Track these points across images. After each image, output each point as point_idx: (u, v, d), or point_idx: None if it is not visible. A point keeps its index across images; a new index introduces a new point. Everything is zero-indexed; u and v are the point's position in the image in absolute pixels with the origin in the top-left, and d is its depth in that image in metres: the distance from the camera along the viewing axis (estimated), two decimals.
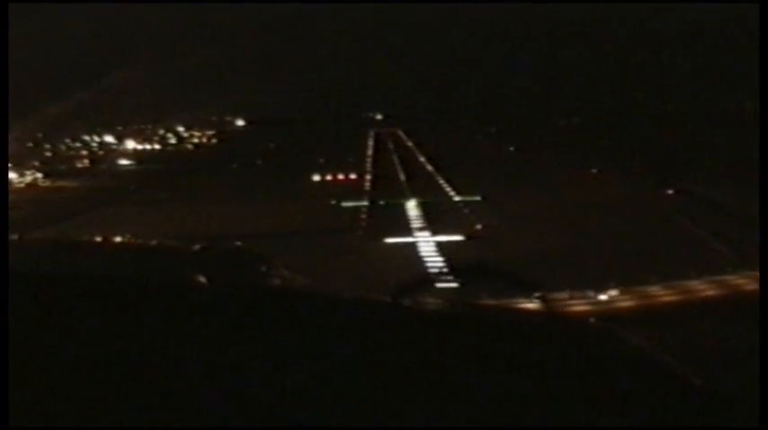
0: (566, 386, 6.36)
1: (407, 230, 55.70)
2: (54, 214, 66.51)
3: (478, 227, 54.15)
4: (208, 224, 57.97)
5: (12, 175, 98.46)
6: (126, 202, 72.76)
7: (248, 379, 6.74)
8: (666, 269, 43.38)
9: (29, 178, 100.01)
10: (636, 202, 64.61)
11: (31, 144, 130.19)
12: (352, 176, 79.00)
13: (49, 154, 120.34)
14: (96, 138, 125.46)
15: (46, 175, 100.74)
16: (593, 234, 54.23)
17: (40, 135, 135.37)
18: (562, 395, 6.21)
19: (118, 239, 50.29)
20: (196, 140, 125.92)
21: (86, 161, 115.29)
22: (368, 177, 79.92)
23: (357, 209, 62.33)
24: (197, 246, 43.97)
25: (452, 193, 69.28)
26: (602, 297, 40.64)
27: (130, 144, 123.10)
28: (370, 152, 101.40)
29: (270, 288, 26.84)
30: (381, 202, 65.08)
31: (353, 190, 71.30)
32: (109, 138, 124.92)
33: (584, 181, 76.65)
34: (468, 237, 51.59)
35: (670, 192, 66.76)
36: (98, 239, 50.41)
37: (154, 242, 50.38)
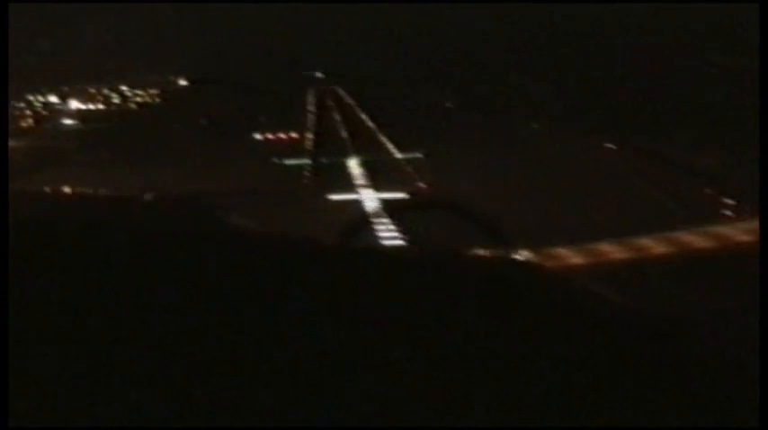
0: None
1: (350, 187, 56.07)
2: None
3: (421, 184, 53.99)
4: (152, 183, 57.62)
5: None
6: (69, 163, 73.11)
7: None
8: (614, 226, 43.07)
9: None
10: (582, 157, 65.91)
11: None
12: (294, 135, 78.19)
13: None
14: (41, 98, 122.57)
15: None
16: (538, 190, 54.93)
17: None
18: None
19: (68, 190, 51.02)
20: (140, 100, 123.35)
21: (30, 121, 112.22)
22: (309, 135, 79.09)
23: (300, 167, 62.15)
24: (149, 196, 45.09)
25: (394, 151, 68.76)
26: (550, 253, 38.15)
27: (74, 104, 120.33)
28: (311, 110, 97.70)
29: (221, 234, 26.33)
30: (324, 160, 64.54)
31: (295, 148, 71.71)
32: (53, 98, 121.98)
33: (528, 137, 78.62)
34: (411, 194, 51.62)
35: (612, 146, 66.42)
36: (48, 190, 52.08)
37: (105, 191, 50.98)
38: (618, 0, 72.64)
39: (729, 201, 43.31)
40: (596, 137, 68.71)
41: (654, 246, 39.17)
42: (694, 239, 39.34)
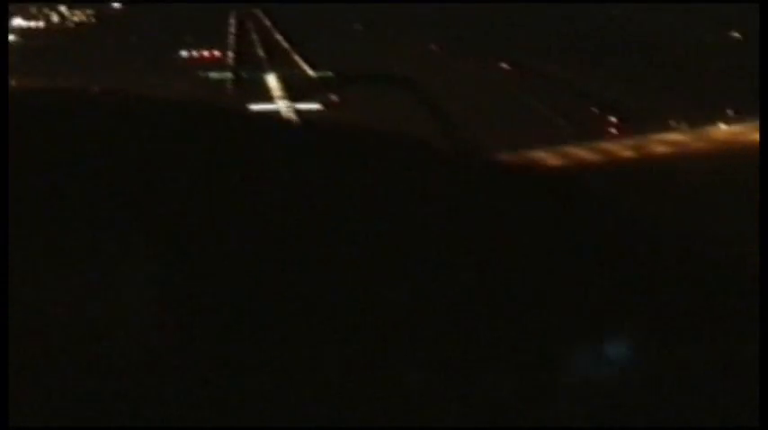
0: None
1: (268, 98, 58.14)
2: None
3: (333, 97, 55.60)
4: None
5: None
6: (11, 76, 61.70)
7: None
8: (508, 140, 42.40)
9: None
10: (474, 76, 64.51)
11: None
12: (217, 53, 76.57)
13: None
14: None
15: None
16: (438, 104, 48.98)
17: None
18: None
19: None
20: (76, 20, 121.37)
21: None
22: (230, 53, 77.37)
23: (222, 80, 63.90)
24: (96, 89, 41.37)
25: (307, 68, 67.76)
26: None
27: (17, 21, 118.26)
28: (232, 31, 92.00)
29: None
30: (244, 74, 65.38)
31: (219, 64, 70.71)
32: None
33: (429, 58, 75.74)
34: (325, 106, 53.65)
35: (505, 65, 64.25)
36: None
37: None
38: None
39: (613, 119, 43.32)
40: (493, 59, 66.09)
41: (546, 157, 35.98)
42: (583, 153, 35.83)
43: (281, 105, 53.64)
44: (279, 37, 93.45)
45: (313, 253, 4.23)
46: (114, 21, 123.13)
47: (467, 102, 51.80)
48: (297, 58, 74.98)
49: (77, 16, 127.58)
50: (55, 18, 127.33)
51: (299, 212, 4.30)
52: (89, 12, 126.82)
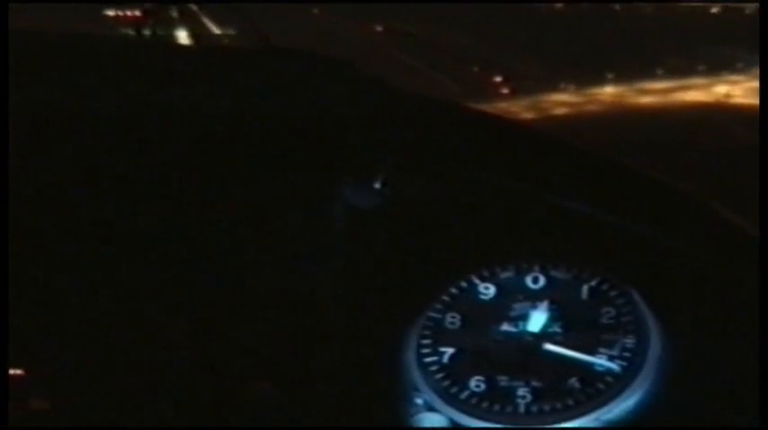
0: None
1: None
2: None
3: None
4: None
5: None
6: None
7: None
8: None
9: None
10: (354, 36, 48.92)
11: None
12: (137, 13, 56.11)
13: None
14: None
15: None
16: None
17: None
18: None
19: None
20: None
21: None
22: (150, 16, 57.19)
23: (142, 35, 41.36)
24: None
25: (213, 27, 50.63)
26: None
27: None
28: None
29: None
30: (160, 32, 44.42)
31: (140, 23, 50.42)
32: None
33: (310, 20, 57.86)
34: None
35: (379, 28, 51.91)
36: None
37: None
38: None
39: (498, 79, 32.49)
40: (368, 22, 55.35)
41: None
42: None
43: None
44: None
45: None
46: None
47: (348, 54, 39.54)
48: (205, 19, 64.47)
49: None
50: None
51: None
52: None
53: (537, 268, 2.71)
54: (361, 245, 2.78)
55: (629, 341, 2.53)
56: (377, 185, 2.75)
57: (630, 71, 31.07)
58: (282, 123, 2.80)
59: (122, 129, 2.78)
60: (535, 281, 2.71)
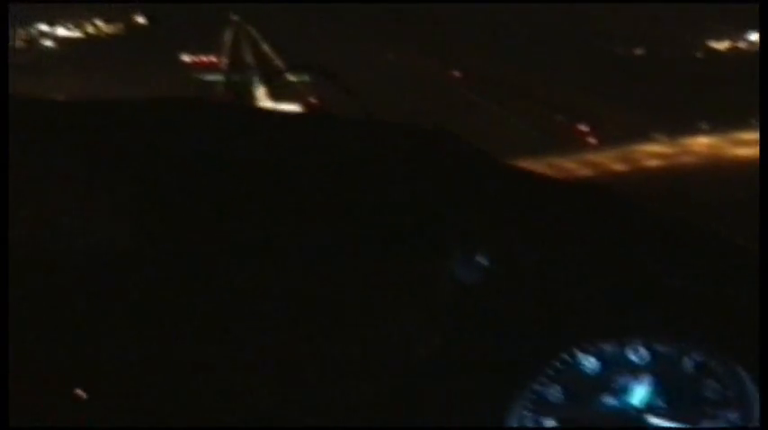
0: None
1: (254, 99, 40.26)
2: None
3: (312, 100, 38.67)
4: (96, 89, 46.82)
5: None
6: (41, 72, 57.49)
7: None
8: (485, 146, 23.75)
9: None
10: (431, 81, 49.88)
11: None
12: (213, 59, 67.00)
13: None
14: (36, 27, 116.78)
15: None
16: (401, 107, 36.66)
17: None
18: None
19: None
20: (107, 30, 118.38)
21: (21, 42, 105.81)
22: (224, 60, 68.98)
23: (215, 82, 50.06)
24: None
25: (289, 73, 48.96)
26: None
27: (60, 31, 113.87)
28: (228, 41, 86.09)
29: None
30: (234, 78, 52.88)
31: (213, 68, 59.16)
32: (45, 27, 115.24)
33: (388, 65, 61.95)
34: (306, 107, 37.19)
35: (457, 73, 52.35)
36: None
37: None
38: None
39: (585, 128, 31.65)
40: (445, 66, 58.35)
41: (537, 169, 22.75)
42: (570, 165, 26.86)
43: (265, 106, 37.74)
44: (266, 47, 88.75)
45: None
46: (135, 32, 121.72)
47: (427, 104, 39.59)
48: (280, 63, 65.67)
49: (108, 28, 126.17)
50: (91, 30, 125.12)
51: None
52: (120, 25, 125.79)
53: (639, 341, 2.68)
54: (465, 318, 2.75)
55: (734, 415, 2.53)
56: (483, 261, 2.69)
57: (724, 120, 29.54)
58: (391, 197, 2.78)
59: (244, 200, 2.77)
60: (637, 354, 2.68)
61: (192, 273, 2.72)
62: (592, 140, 29.77)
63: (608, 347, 2.66)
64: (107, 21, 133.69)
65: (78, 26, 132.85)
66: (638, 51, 50.51)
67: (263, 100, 48.28)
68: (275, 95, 49.40)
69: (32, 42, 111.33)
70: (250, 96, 49.83)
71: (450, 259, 2.75)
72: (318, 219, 2.78)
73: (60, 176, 2.82)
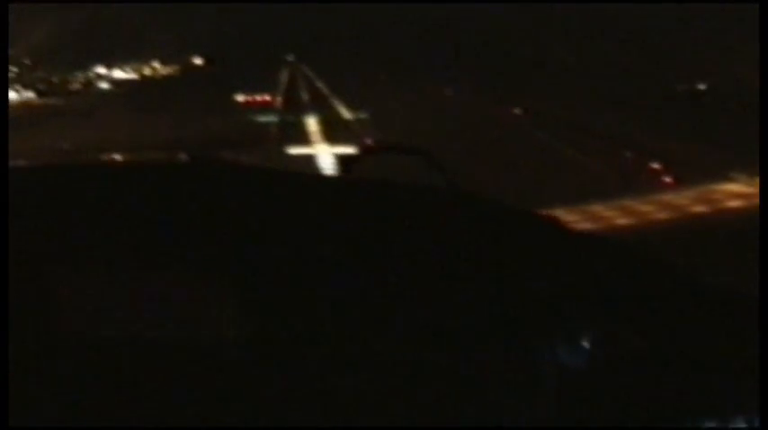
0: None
1: (308, 141, 42.68)
2: (24, 122, 52.63)
3: (367, 140, 39.93)
4: (151, 128, 46.32)
5: (12, 94, 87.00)
6: (91, 115, 60.04)
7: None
8: (554, 190, 26.86)
9: (25, 96, 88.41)
10: (492, 118, 48.24)
11: (42, 74, 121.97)
12: (267, 98, 65.37)
13: (54, 80, 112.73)
14: (95, 70, 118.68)
15: (39, 94, 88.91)
16: (466, 145, 37.13)
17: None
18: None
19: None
20: (163, 72, 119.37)
21: (79, 85, 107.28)
22: (279, 99, 67.29)
23: (269, 122, 49.20)
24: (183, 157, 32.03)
25: (345, 111, 54.77)
26: None
27: (116, 73, 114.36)
28: (283, 81, 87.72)
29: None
30: (288, 118, 51.08)
31: (267, 107, 57.59)
32: (102, 70, 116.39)
33: (443, 100, 60.83)
34: (362, 149, 33.09)
35: (517, 110, 50.17)
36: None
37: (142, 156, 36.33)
38: None
39: (657, 166, 29.57)
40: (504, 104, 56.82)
41: (612, 215, 21.63)
42: (647, 208, 25.05)
43: (319, 149, 40.17)
44: (320, 85, 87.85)
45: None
46: (192, 72, 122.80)
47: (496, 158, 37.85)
48: (335, 102, 66.76)
49: (164, 69, 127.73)
50: (147, 71, 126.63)
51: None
52: (174, 66, 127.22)
53: (741, 419, 2.68)
54: (569, 401, 2.74)
55: None
56: (586, 344, 2.72)
57: None
58: (496, 281, 2.77)
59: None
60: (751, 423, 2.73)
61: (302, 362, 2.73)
62: (667, 180, 27.85)
63: (711, 424, 2.65)
64: (164, 62, 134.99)
65: (135, 68, 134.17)
66: (701, 86, 48.65)
67: (318, 142, 47.24)
68: (331, 138, 48.29)
69: (89, 85, 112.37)
70: (305, 138, 48.92)
71: (553, 342, 2.70)
72: (424, 300, 2.75)
73: (155, 264, 2.75)
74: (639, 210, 24.19)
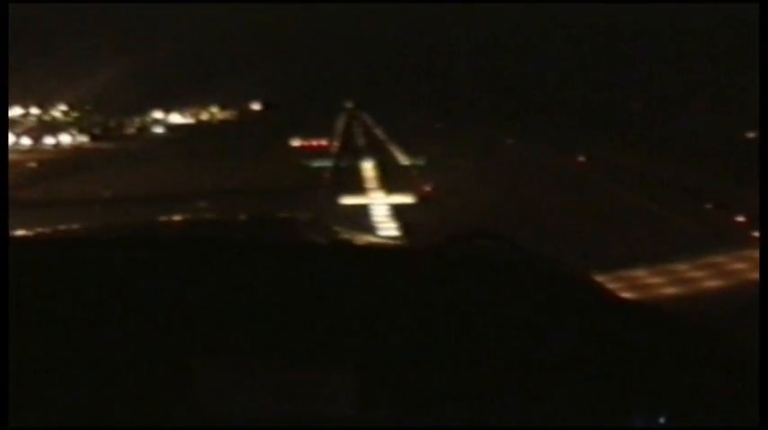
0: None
1: (363, 189, 38.90)
2: (69, 166, 52.63)
3: (426, 188, 36.82)
4: (201, 174, 43.12)
5: (64, 138, 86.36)
6: (140, 159, 57.49)
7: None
8: (634, 245, 23.20)
9: (78, 140, 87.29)
10: (557, 167, 44.87)
11: (100, 117, 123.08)
12: (323, 142, 64.75)
13: (111, 124, 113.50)
14: (152, 115, 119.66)
15: (93, 138, 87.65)
16: (532, 196, 34.90)
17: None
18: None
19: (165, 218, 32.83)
20: (221, 117, 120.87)
21: (133, 130, 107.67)
22: (336, 144, 66.57)
23: (323, 167, 46.29)
24: (243, 216, 27.89)
25: (402, 157, 52.83)
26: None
27: (173, 118, 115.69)
28: (340, 127, 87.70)
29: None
30: (343, 163, 48.82)
31: (323, 153, 55.51)
32: (159, 114, 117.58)
33: (505, 149, 57.80)
34: (419, 196, 35.33)
35: (582, 158, 47.32)
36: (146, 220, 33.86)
37: (206, 216, 32.13)
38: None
39: (741, 219, 26.51)
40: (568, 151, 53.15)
41: (703, 275, 19.84)
42: (742, 267, 19.94)
43: (374, 199, 36.27)
44: (378, 131, 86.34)
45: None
46: (249, 118, 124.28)
47: (569, 198, 36.06)
48: (392, 147, 65.50)
49: (222, 114, 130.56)
50: (205, 116, 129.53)
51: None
52: (233, 111, 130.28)
53: None
54: None
55: None
56: (662, 421, 2.63)
57: None
58: (570, 357, 2.60)
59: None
60: None
61: None
62: (755, 234, 25.06)
63: None
64: (222, 107, 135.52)
65: (193, 113, 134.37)
66: None
67: (374, 189, 44.31)
68: (387, 184, 45.07)
69: (143, 130, 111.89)
70: (360, 184, 45.91)
71: (632, 420, 2.55)
72: (501, 380, 2.57)
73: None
74: (729, 268, 21.42)
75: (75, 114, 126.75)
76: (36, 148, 77.54)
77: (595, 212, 31.66)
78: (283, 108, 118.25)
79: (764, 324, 2.61)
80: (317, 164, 49.57)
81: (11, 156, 64.61)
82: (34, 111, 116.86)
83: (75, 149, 77.50)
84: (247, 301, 2.64)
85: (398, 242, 8.61)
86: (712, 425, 2.48)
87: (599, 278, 3.48)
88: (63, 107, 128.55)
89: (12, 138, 75.85)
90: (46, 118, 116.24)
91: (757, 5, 28.88)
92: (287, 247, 3.33)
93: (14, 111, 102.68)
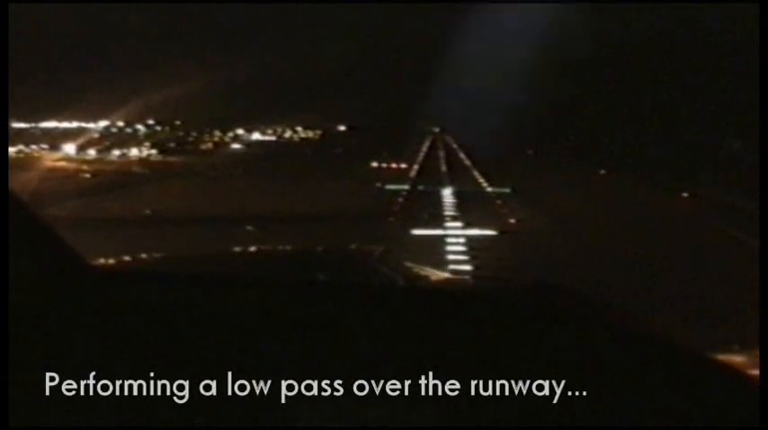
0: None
1: (440, 218, 32.96)
2: (128, 180, 48.14)
3: (511, 220, 31.93)
4: (269, 195, 39.69)
5: (134, 150, 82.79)
6: (199, 176, 53.79)
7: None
8: (737, 283, 17.26)
9: (145, 153, 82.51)
10: (654, 203, 39.87)
11: (181, 132, 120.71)
12: (403, 166, 61.15)
13: (191, 138, 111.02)
14: (237, 132, 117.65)
15: (162, 152, 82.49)
16: (622, 230, 29.38)
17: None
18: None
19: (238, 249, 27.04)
20: (303, 136, 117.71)
21: (210, 145, 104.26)
22: (415, 167, 61.53)
23: (398, 191, 41.18)
24: (320, 248, 22.31)
25: (485, 184, 47.60)
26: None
27: (254, 135, 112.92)
28: (423, 150, 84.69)
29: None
30: (420, 187, 44.81)
31: (400, 176, 51.72)
32: (241, 131, 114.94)
33: (595, 181, 53.17)
34: (501, 232, 28.84)
35: (685, 194, 41.99)
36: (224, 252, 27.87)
37: (281, 247, 26.44)
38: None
39: None
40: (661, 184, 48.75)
41: None
42: None
43: (451, 229, 29.70)
44: (462, 155, 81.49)
45: None
46: (331, 138, 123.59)
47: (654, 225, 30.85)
48: (476, 174, 59.54)
49: (305, 134, 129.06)
50: (287, 134, 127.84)
51: None
52: (317, 131, 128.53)
53: None
54: None
55: None
56: None
57: None
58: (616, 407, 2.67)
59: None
60: None
61: None
62: None
63: None
64: (307, 127, 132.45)
65: (275, 131, 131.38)
66: None
67: (452, 219, 38.53)
68: (467, 214, 39.21)
69: (220, 145, 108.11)
70: (437, 211, 40.21)
71: None
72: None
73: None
74: None
75: (158, 128, 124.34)
76: (98, 159, 71.76)
77: (707, 253, 25.82)
78: (369, 130, 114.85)
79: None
80: (392, 187, 44.68)
81: (66, 164, 61.92)
82: (120, 124, 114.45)
83: (141, 162, 71.11)
84: (332, 340, 2.62)
85: (470, 280, 7.79)
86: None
87: None
88: (151, 121, 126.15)
89: (72, 149, 73.30)
90: (128, 130, 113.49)
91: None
92: (363, 287, 3.39)
93: (100, 124, 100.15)
